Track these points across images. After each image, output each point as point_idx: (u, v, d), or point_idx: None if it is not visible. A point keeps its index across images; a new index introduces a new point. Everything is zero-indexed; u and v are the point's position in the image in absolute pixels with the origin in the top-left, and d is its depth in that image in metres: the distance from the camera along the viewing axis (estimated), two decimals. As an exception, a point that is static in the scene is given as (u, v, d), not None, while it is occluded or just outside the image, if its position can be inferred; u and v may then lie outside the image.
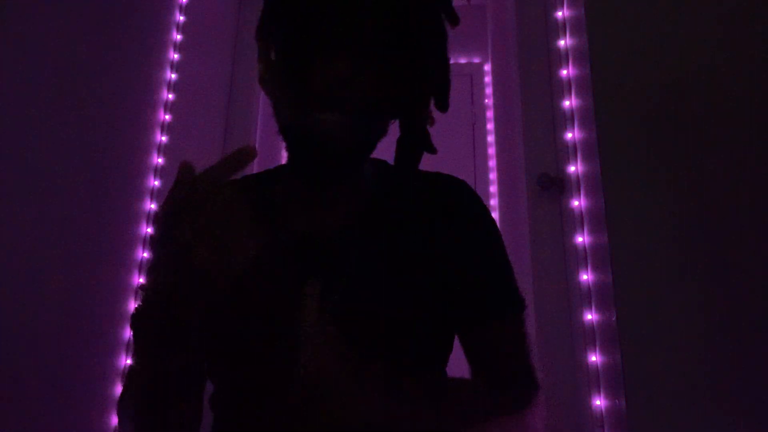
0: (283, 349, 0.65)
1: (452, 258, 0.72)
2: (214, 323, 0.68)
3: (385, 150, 0.74)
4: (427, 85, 0.70)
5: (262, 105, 2.27)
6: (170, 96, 1.86)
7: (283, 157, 0.77)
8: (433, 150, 0.71)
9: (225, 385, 0.72)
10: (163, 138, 1.79)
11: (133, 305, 1.61)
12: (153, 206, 1.70)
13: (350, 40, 0.63)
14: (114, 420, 1.46)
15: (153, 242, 0.55)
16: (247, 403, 0.69)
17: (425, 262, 0.70)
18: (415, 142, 0.71)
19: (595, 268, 1.38)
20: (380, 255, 0.70)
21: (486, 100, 3.01)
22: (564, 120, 1.60)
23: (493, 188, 2.67)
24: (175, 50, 1.92)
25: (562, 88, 1.63)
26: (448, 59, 0.71)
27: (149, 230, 1.68)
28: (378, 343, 0.66)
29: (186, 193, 0.52)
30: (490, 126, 2.88)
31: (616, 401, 1.21)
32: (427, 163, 0.82)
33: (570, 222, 1.54)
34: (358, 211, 0.73)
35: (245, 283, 0.69)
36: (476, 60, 3.18)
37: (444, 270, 0.71)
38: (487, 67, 3.06)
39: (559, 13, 1.70)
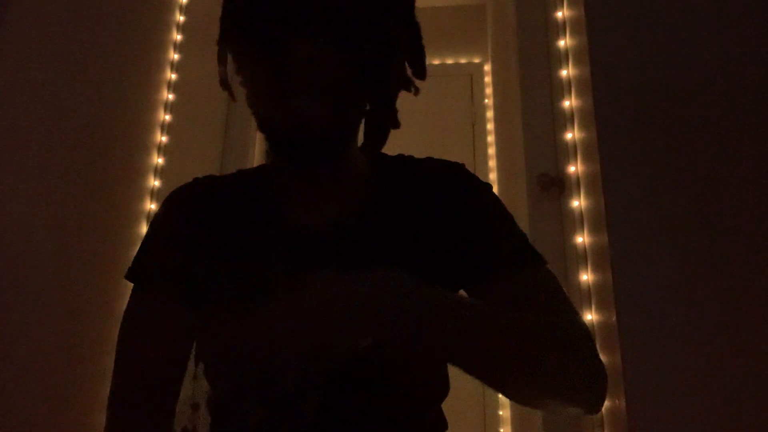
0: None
1: (462, 229, 0.72)
2: (209, 320, 0.69)
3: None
4: (397, 62, 0.69)
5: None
6: (170, 96, 1.86)
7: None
8: (397, 124, 0.71)
9: (222, 386, 0.72)
10: (163, 138, 1.79)
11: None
12: (153, 206, 1.70)
13: (315, 23, 0.62)
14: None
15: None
16: (242, 404, 0.69)
17: (430, 244, 0.70)
18: (384, 120, 0.70)
19: (595, 268, 1.38)
20: (384, 243, 0.70)
21: (486, 100, 3.01)
22: (564, 120, 1.60)
23: (494, 188, 2.67)
24: (175, 50, 1.92)
25: (562, 88, 1.63)
26: (417, 25, 0.71)
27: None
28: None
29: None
30: (490, 126, 2.87)
31: (616, 401, 1.21)
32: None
33: (570, 222, 1.53)
34: (355, 201, 0.73)
35: (244, 280, 0.69)
36: (476, 60, 3.19)
37: (454, 244, 0.70)
38: (487, 67, 3.06)
39: (559, 13, 1.69)
